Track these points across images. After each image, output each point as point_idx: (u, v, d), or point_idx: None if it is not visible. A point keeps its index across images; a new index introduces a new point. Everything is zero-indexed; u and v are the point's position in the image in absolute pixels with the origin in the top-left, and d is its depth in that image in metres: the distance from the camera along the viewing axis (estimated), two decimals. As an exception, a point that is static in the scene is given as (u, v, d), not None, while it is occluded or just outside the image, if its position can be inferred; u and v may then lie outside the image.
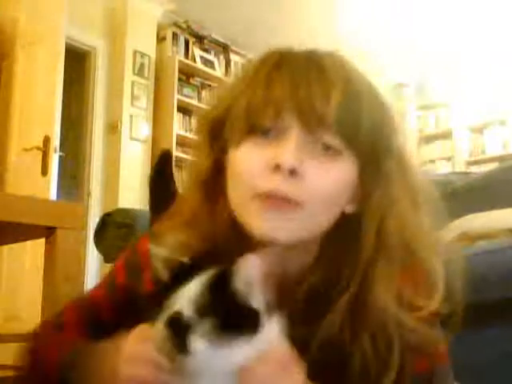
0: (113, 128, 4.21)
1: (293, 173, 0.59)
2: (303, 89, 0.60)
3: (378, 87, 0.66)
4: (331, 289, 0.63)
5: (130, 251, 0.76)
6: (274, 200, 0.59)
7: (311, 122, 0.60)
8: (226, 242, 0.64)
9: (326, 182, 0.61)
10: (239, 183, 0.63)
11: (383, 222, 0.63)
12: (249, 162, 0.62)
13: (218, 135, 0.67)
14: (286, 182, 0.59)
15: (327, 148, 0.61)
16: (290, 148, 0.59)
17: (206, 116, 0.70)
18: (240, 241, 0.64)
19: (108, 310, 0.72)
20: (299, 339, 0.57)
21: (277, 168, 0.59)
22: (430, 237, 0.65)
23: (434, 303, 0.60)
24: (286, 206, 0.60)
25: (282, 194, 0.59)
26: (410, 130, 5.65)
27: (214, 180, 0.66)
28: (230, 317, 0.51)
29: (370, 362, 0.60)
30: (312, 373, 0.55)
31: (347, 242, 0.64)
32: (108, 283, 0.75)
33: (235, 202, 0.64)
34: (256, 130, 0.62)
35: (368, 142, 0.62)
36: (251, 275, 0.52)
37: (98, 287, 0.77)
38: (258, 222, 0.61)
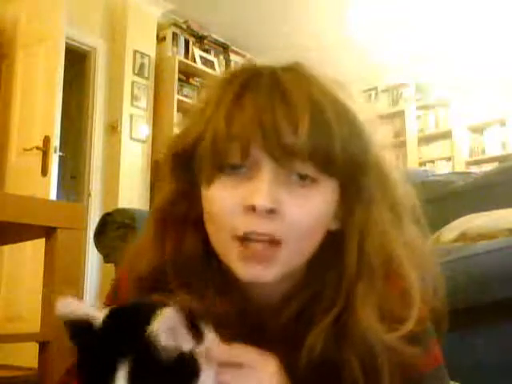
0: (113, 128, 4.21)
1: (270, 212, 0.56)
2: (268, 120, 0.57)
3: (347, 95, 0.63)
4: (314, 310, 0.61)
5: (111, 291, 0.73)
6: (254, 250, 0.57)
7: (281, 155, 0.57)
8: (198, 273, 0.62)
9: (306, 214, 0.58)
10: (216, 223, 0.60)
11: (364, 238, 0.61)
12: (223, 203, 0.59)
13: (185, 167, 0.64)
14: (264, 221, 0.57)
15: (302, 177, 0.58)
16: (263, 187, 0.56)
17: (173, 145, 0.66)
18: (215, 270, 0.62)
19: None
20: (284, 363, 0.56)
21: (253, 209, 0.56)
22: (411, 250, 0.64)
23: (412, 319, 0.59)
24: (270, 249, 0.57)
25: (262, 235, 0.57)
26: (409, 130, 5.68)
27: (177, 213, 0.64)
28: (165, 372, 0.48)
29: (359, 380, 0.58)
30: None
31: (330, 260, 0.62)
32: None
33: (215, 241, 0.62)
34: (225, 167, 0.59)
35: (343, 163, 0.59)
36: (172, 325, 0.48)
37: None
38: (241, 269, 0.59)
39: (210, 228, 0.62)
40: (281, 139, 0.56)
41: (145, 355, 0.47)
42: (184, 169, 0.64)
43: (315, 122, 0.57)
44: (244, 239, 0.58)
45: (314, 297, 0.62)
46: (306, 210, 0.58)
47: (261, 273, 0.58)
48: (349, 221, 0.62)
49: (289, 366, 0.57)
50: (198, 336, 0.51)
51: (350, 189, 0.61)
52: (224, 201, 0.59)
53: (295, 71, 0.62)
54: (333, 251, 0.62)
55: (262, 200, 0.56)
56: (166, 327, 0.47)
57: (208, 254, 0.63)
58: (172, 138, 0.68)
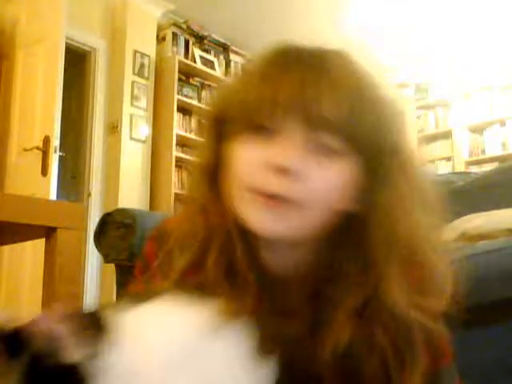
0: (113, 128, 4.21)
1: (293, 174, 0.58)
2: (307, 88, 0.59)
3: (385, 84, 0.65)
4: (335, 292, 0.62)
5: (140, 258, 0.76)
6: (272, 200, 0.59)
7: (313, 123, 0.59)
8: (229, 233, 0.64)
9: (326, 182, 0.60)
10: (236, 178, 0.62)
11: (391, 222, 0.62)
12: (247, 159, 0.61)
13: (220, 130, 0.66)
14: (286, 182, 0.58)
15: (328, 149, 0.60)
16: (291, 148, 0.59)
17: (211, 110, 0.70)
18: (241, 232, 0.64)
19: None
20: (298, 338, 0.57)
21: (277, 168, 0.58)
22: (433, 237, 0.65)
23: (440, 303, 0.61)
24: (284, 205, 0.59)
25: (282, 196, 0.59)
26: (409, 129, 5.65)
27: (217, 173, 0.66)
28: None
29: (391, 364, 0.59)
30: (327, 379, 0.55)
31: (349, 242, 0.63)
32: None
33: (232, 195, 0.63)
34: (256, 127, 0.61)
35: (370, 142, 0.61)
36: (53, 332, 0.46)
37: None
38: (253, 216, 0.61)
39: (232, 185, 0.63)
40: (316, 108, 0.59)
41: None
42: (219, 132, 0.66)
43: (352, 99, 0.60)
44: (261, 193, 0.59)
45: (333, 277, 0.63)
46: (326, 178, 0.60)
47: (271, 222, 0.60)
48: (373, 203, 0.62)
49: (307, 350, 0.57)
50: (97, 346, 0.48)
51: (373, 171, 0.62)
52: (248, 158, 0.61)
53: (341, 52, 0.65)
54: (352, 234, 0.63)
55: (287, 159, 0.58)
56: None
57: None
58: (209, 104, 0.71)
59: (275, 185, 0.59)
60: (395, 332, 0.59)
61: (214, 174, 0.66)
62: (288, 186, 0.58)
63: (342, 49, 0.66)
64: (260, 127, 0.61)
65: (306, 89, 0.59)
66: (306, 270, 0.65)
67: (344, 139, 0.60)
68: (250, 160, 0.61)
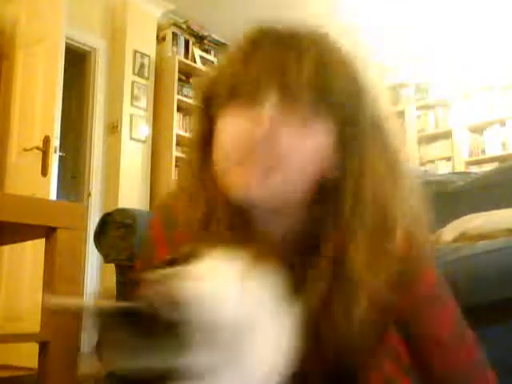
0: (113, 128, 4.21)
1: (268, 141, 0.62)
2: (278, 59, 0.64)
3: (360, 61, 0.69)
4: (313, 251, 0.66)
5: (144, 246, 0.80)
6: (252, 167, 0.63)
7: (285, 92, 0.63)
8: (224, 206, 0.67)
9: (301, 146, 0.63)
10: (220, 150, 0.66)
11: (359, 187, 0.65)
12: (227, 131, 0.65)
13: (207, 108, 0.71)
14: (262, 150, 0.62)
15: (302, 116, 0.63)
16: (263, 117, 0.62)
17: (199, 90, 0.74)
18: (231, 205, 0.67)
19: None
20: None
21: (254, 137, 0.62)
22: (405, 202, 0.68)
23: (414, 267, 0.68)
24: (264, 172, 0.63)
25: (262, 162, 0.62)
26: (410, 130, 5.69)
27: (207, 149, 0.70)
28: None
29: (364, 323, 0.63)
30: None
31: (329, 205, 0.67)
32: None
33: (218, 167, 0.67)
34: (235, 100, 0.65)
35: (340, 109, 0.65)
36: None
37: None
38: (237, 184, 0.64)
39: (218, 158, 0.67)
40: (287, 77, 0.63)
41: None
42: (207, 108, 0.70)
43: (321, 65, 0.64)
44: (243, 162, 0.63)
45: (311, 239, 0.67)
46: (301, 143, 0.63)
47: (253, 189, 0.63)
48: (345, 168, 0.66)
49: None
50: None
51: (346, 137, 0.66)
52: (228, 131, 0.65)
53: (314, 31, 0.69)
54: (330, 198, 0.67)
55: (261, 127, 0.62)
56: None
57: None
58: (202, 84, 0.75)
59: (254, 153, 0.62)
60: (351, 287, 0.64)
61: (206, 150, 0.70)
62: (265, 153, 0.62)
63: (318, 29, 0.70)
64: (238, 100, 0.65)
65: (277, 59, 0.64)
66: (293, 239, 0.69)
67: (315, 105, 0.63)
68: (229, 132, 0.65)
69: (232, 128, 0.65)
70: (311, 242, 0.67)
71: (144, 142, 4.31)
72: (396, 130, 0.71)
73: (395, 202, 0.66)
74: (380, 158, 0.67)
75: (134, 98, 4.28)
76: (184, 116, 4.60)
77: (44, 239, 1.28)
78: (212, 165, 0.69)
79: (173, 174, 4.27)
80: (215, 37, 5.03)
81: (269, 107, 0.63)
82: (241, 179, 0.64)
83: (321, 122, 0.64)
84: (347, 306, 0.64)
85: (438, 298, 0.75)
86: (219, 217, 0.67)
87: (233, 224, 0.67)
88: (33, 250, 2.95)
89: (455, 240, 1.42)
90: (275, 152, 0.62)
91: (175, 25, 4.77)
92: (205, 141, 0.70)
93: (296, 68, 0.63)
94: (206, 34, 4.95)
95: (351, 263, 0.64)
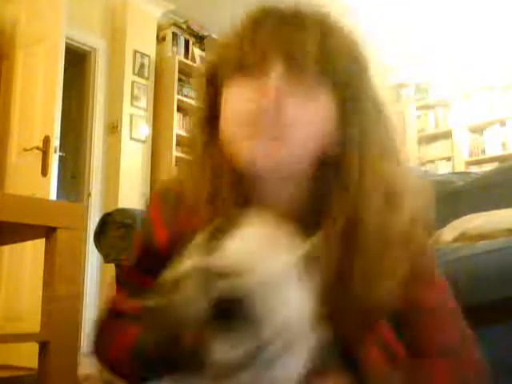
0: (113, 128, 4.22)
1: (275, 104, 0.64)
2: (284, 32, 0.66)
3: (360, 38, 0.72)
4: (316, 227, 0.66)
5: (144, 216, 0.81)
6: (259, 135, 0.65)
7: (291, 62, 0.65)
8: (230, 177, 0.69)
9: (306, 119, 0.66)
10: (228, 120, 0.69)
11: (362, 159, 0.68)
12: (234, 104, 0.68)
13: (212, 81, 0.73)
14: (268, 119, 0.64)
15: (307, 87, 0.66)
16: (270, 87, 0.64)
17: (203, 65, 0.78)
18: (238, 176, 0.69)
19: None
20: None
21: (261, 102, 0.64)
22: (405, 177, 0.71)
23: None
24: (270, 140, 0.65)
25: (267, 131, 0.65)
26: (410, 130, 5.68)
27: (213, 122, 0.72)
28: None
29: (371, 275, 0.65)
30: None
31: (331, 181, 0.69)
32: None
33: (226, 138, 0.69)
34: (241, 71, 0.67)
35: (344, 83, 0.67)
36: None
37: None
38: (245, 152, 0.66)
39: (225, 128, 0.69)
40: (292, 48, 0.65)
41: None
42: (211, 83, 0.73)
43: (325, 39, 0.66)
44: (249, 130, 0.65)
45: (317, 218, 0.68)
46: (306, 114, 0.66)
47: (261, 157, 0.65)
48: (346, 144, 0.68)
49: None
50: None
51: (348, 112, 0.68)
52: (235, 102, 0.68)
53: (315, 10, 0.71)
54: (334, 173, 0.69)
55: (267, 97, 0.64)
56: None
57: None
58: (207, 60, 0.79)
59: (260, 122, 0.64)
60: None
61: (211, 124, 0.72)
62: (270, 121, 0.64)
63: (320, 8, 0.72)
64: (244, 71, 0.67)
65: (282, 33, 0.66)
66: (299, 208, 0.71)
67: (319, 78, 0.66)
68: (236, 102, 0.68)
69: (239, 98, 0.67)
70: (315, 218, 0.68)
71: (144, 141, 4.31)
72: (394, 118, 0.73)
73: (398, 179, 0.69)
74: (380, 134, 0.69)
75: (133, 97, 4.28)
76: (184, 116, 4.60)
77: (44, 239, 1.28)
78: (217, 138, 0.70)
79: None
80: (215, 37, 5.03)
81: (275, 77, 0.64)
82: (247, 149, 0.66)
83: (324, 95, 0.66)
84: (364, 279, 0.65)
85: (445, 308, 0.75)
86: (225, 190, 0.69)
87: (238, 199, 0.69)
88: (33, 250, 2.95)
89: (455, 240, 1.42)
90: (281, 122, 0.64)
91: (175, 25, 4.77)
92: (210, 114, 0.72)
93: (300, 41, 0.65)
94: (205, 33, 4.95)
95: (361, 236, 0.65)
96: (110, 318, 0.78)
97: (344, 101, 0.68)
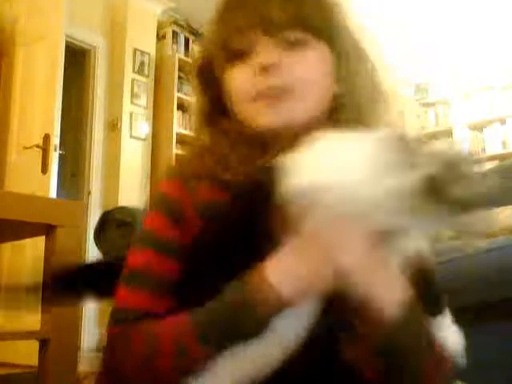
0: (113, 126, 4.21)
1: (274, 68, 0.69)
2: (258, 8, 0.71)
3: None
4: None
5: (154, 199, 0.77)
6: (269, 97, 0.70)
7: (273, 28, 0.70)
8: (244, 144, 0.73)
9: (304, 67, 0.71)
10: (237, 98, 0.73)
11: (357, 91, 0.74)
12: (238, 80, 0.72)
13: (208, 72, 0.77)
14: (272, 77, 0.69)
15: (296, 43, 0.71)
16: (264, 51, 0.70)
17: (196, 60, 0.82)
18: (256, 145, 0.72)
19: (175, 264, 0.68)
20: None
21: (263, 69, 0.69)
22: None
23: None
24: (280, 98, 0.70)
25: (275, 88, 0.69)
26: (410, 129, 5.66)
27: (217, 109, 0.76)
28: None
29: None
30: None
31: (339, 125, 0.72)
32: (152, 243, 0.70)
33: (239, 113, 0.74)
34: (235, 54, 0.73)
35: (324, 30, 0.73)
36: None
37: (137, 261, 0.70)
38: (259, 118, 0.71)
39: (235, 106, 0.74)
40: (269, 16, 0.70)
41: None
42: (207, 74, 0.78)
43: (298, 4, 0.72)
44: (259, 96, 0.70)
45: None
46: (303, 64, 0.71)
47: (275, 117, 0.70)
48: (345, 82, 0.74)
49: None
50: None
51: (338, 53, 0.74)
52: (239, 79, 0.72)
53: None
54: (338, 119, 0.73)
55: (264, 58, 0.69)
56: None
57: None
58: (196, 58, 0.84)
59: (267, 82, 0.70)
60: None
61: (213, 114, 0.77)
62: (275, 79, 0.69)
63: None
64: (237, 53, 0.72)
65: (255, 6, 0.72)
66: None
67: (304, 31, 0.71)
68: (240, 80, 0.72)
69: (240, 76, 0.72)
70: None
71: (144, 139, 4.31)
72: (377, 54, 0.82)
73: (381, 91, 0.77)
74: (366, 74, 0.76)
75: (134, 95, 4.27)
76: (184, 114, 4.59)
77: (44, 237, 1.29)
78: (223, 111, 0.75)
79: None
80: (215, 35, 5.03)
81: (264, 44, 0.70)
82: (264, 119, 0.70)
83: (313, 43, 0.72)
84: None
85: None
86: (245, 151, 0.72)
87: (259, 156, 0.71)
88: (33, 248, 2.94)
89: (455, 237, 1.42)
90: (285, 75, 0.69)
91: (175, 23, 4.76)
92: (212, 100, 0.77)
93: (275, 3, 0.71)
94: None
95: None
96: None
97: (332, 47, 0.73)
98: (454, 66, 5.38)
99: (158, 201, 0.74)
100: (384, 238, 0.56)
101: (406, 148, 0.53)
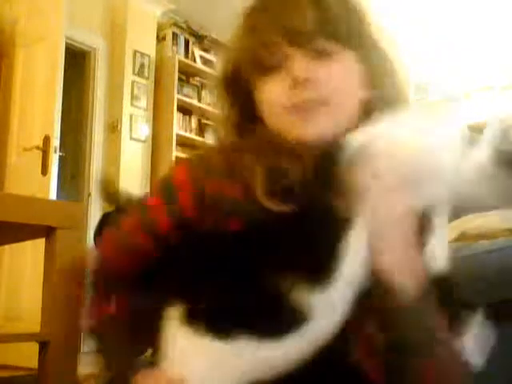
0: (113, 128, 4.21)
1: (308, 80, 0.69)
2: (282, 19, 0.71)
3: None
4: None
5: (161, 183, 0.79)
6: (304, 109, 0.69)
7: (301, 41, 0.70)
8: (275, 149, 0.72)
9: (337, 77, 0.71)
10: (271, 111, 0.73)
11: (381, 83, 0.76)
12: (273, 94, 0.72)
13: (236, 83, 0.77)
14: (307, 90, 0.69)
15: (323, 52, 0.71)
16: (296, 64, 0.69)
17: (221, 73, 0.81)
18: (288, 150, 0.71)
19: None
20: None
21: (298, 82, 0.69)
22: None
23: None
24: (315, 110, 0.70)
25: (308, 100, 0.69)
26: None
27: (247, 119, 0.76)
28: None
29: None
30: None
31: None
32: (145, 224, 0.75)
33: (272, 124, 0.73)
34: (264, 68, 0.72)
35: (350, 36, 0.73)
36: None
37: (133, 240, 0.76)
38: (295, 130, 0.70)
39: (268, 118, 0.74)
40: (296, 29, 0.70)
41: None
42: (236, 86, 0.77)
43: (322, 12, 0.71)
44: (295, 109, 0.70)
45: None
46: (335, 75, 0.71)
47: (311, 129, 0.70)
48: (373, 87, 0.74)
49: None
50: None
51: (363, 57, 0.73)
52: (271, 88, 0.72)
53: None
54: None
55: (298, 72, 0.69)
56: None
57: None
58: (219, 68, 0.83)
59: (302, 96, 0.69)
60: None
61: (242, 124, 0.77)
62: (312, 92, 0.69)
63: None
64: (267, 69, 0.72)
65: (279, 19, 0.71)
66: None
67: (329, 39, 0.71)
68: (275, 90, 0.71)
69: (274, 90, 0.71)
70: None
71: (144, 141, 4.31)
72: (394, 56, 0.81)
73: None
74: (389, 75, 0.78)
75: (133, 97, 4.27)
76: (184, 116, 4.59)
77: (44, 239, 1.28)
78: (254, 121, 0.75)
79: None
80: (215, 37, 5.03)
81: (296, 58, 0.70)
82: (300, 126, 0.70)
83: (341, 52, 0.71)
84: None
85: None
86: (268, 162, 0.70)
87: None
88: (33, 250, 2.94)
89: (455, 240, 1.42)
90: (319, 86, 0.69)
91: (175, 24, 4.77)
92: (241, 111, 0.77)
93: (299, 17, 0.70)
94: (206, 33, 4.94)
95: None
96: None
97: (358, 54, 0.73)
98: (454, 67, 5.38)
99: (162, 184, 0.78)
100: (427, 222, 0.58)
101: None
